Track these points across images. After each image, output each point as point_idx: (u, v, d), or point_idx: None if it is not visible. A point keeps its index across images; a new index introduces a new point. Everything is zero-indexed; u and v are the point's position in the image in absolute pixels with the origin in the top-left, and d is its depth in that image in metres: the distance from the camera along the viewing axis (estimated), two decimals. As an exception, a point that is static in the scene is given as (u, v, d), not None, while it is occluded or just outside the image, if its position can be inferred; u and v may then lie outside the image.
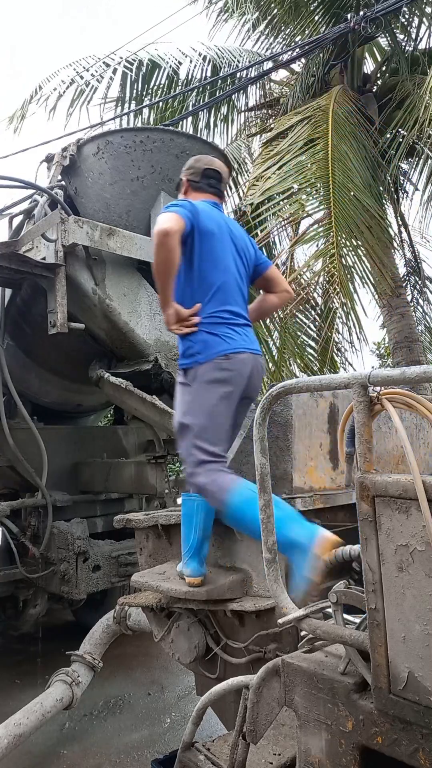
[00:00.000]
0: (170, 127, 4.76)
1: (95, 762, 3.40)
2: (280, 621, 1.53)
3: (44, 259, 3.67)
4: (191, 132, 6.86)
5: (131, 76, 6.62)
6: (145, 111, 6.94)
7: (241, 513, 2.00)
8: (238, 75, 6.45)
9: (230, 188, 7.06)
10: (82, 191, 3.98)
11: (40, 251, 3.75)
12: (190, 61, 6.86)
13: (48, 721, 3.27)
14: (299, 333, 5.12)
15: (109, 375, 3.79)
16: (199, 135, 6.83)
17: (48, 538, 4.09)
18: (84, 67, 6.60)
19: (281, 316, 5.00)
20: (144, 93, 6.85)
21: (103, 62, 6.62)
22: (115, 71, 6.57)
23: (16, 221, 4.29)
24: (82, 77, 6.53)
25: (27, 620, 4.73)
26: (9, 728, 3.02)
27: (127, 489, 4.50)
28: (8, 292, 4.32)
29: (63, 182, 4.05)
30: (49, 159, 4.07)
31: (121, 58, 6.55)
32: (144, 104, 6.76)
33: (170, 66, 6.72)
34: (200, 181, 2.44)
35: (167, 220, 2.11)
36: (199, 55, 6.72)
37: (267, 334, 4.60)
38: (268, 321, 4.63)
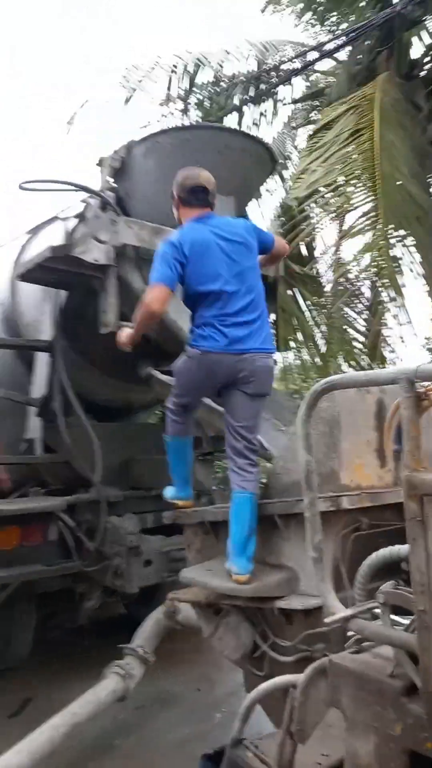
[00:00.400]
0: (215, 124, 4.77)
1: (148, 754, 3.46)
2: (326, 620, 1.51)
3: (96, 260, 3.75)
4: (236, 128, 6.84)
5: (177, 77, 6.67)
6: (192, 110, 6.98)
7: (171, 451, 2.85)
8: (282, 67, 6.38)
9: (275, 182, 7.01)
10: (132, 192, 4.04)
11: (93, 253, 3.83)
12: (237, 60, 6.84)
13: (102, 712, 3.35)
14: (346, 327, 5.01)
15: (158, 372, 3.83)
16: (244, 130, 6.80)
17: (102, 532, 4.18)
18: (130, 71, 6.68)
19: (328, 311, 4.92)
20: (190, 93, 6.88)
21: (150, 67, 6.69)
22: (159, 76, 6.63)
23: (71, 224, 4.39)
24: (128, 80, 6.62)
25: (83, 613, 4.86)
26: (66, 717, 3.11)
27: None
28: (63, 293, 4.43)
29: (114, 184, 4.12)
30: (101, 162, 4.15)
31: (163, 61, 6.59)
32: (190, 102, 6.79)
33: (215, 65, 6.71)
34: (189, 197, 2.73)
35: (156, 299, 2.52)
36: (241, 53, 6.69)
37: (315, 327, 4.51)
38: (315, 314, 4.55)
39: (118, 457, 4.86)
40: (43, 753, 2.87)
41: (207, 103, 6.89)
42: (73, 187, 3.96)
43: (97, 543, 4.17)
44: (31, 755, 2.81)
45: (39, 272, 3.83)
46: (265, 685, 1.76)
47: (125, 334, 2.89)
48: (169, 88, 6.85)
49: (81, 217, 4.31)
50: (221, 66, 6.78)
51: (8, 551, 4.02)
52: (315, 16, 6.53)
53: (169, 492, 2.94)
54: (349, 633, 1.55)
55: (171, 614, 3.42)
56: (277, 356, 4.69)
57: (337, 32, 6.13)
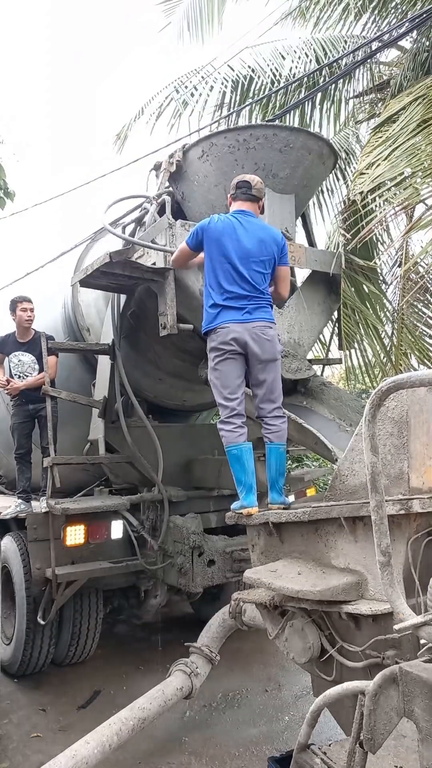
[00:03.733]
0: (273, 123, 4.72)
1: (215, 752, 3.48)
2: (396, 627, 1.46)
3: (154, 264, 3.81)
4: (297, 125, 6.74)
5: (230, 85, 6.60)
6: (248, 113, 6.89)
7: (230, 461, 3.01)
8: (343, 61, 6.21)
9: (338, 179, 6.86)
10: (189, 195, 4.08)
11: (151, 257, 3.89)
12: (292, 61, 6.70)
13: (169, 709, 3.40)
14: (418, 324, 4.82)
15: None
16: (304, 127, 6.69)
17: (165, 531, 4.25)
18: (183, 83, 6.66)
19: (396, 307, 4.77)
20: (246, 96, 6.80)
21: (201, 76, 6.65)
22: (212, 88, 6.58)
23: (129, 230, 4.49)
24: (178, 91, 6.60)
25: (148, 610, 4.95)
26: (134, 711, 3.18)
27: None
28: (122, 296, 4.53)
29: (170, 188, 4.17)
30: (156, 167, 4.21)
31: (218, 71, 6.52)
32: (246, 104, 6.72)
33: (270, 69, 6.61)
34: (236, 191, 3.25)
35: (176, 252, 3.42)
36: (300, 50, 6.55)
37: (379, 323, 4.38)
38: (379, 310, 4.43)
39: (179, 458, 4.92)
40: (111, 744, 2.94)
41: (265, 104, 6.80)
42: (132, 197, 4.08)
43: (160, 542, 4.24)
44: (99, 746, 2.89)
45: (99, 278, 3.93)
46: (333, 691, 1.72)
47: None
48: (223, 99, 6.78)
49: (139, 222, 4.40)
50: (277, 70, 6.67)
51: (76, 548, 4.16)
52: (375, 12, 6.29)
53: (234, 504, 3.00)
54: (422, 641, 1.49)
55: (236, 614, 3.41)
56: (341, 354, 4.60)
57: (401, 20, 5.89)
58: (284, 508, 2.82)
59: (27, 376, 4.76)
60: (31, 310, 4.77)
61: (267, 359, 3.05)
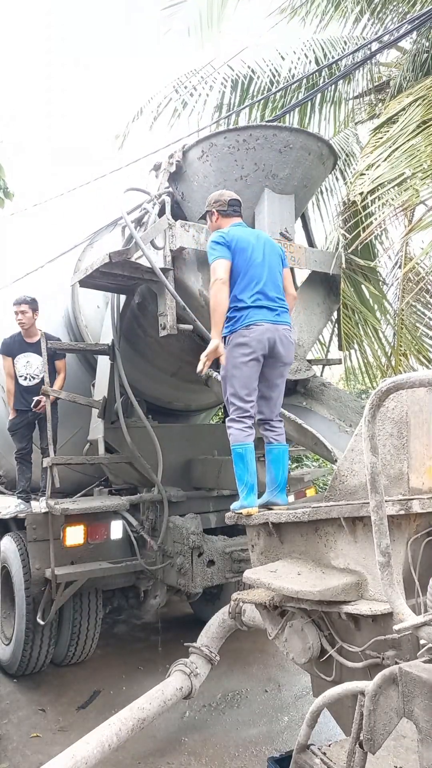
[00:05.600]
0: (273, 123, 4.72)
1: (215, 752, 3.48)
2: (396, 627, 1.46)
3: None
4: (297, 126, 6.74)
5: (230, 84, 6.59)
6: (248, 113, 6.88)
7: (235, 460, 2.98)
8: (343, 62, 6.21)
9: (336, 180, 6.86)
10: (189, 195, 4.08)
11: (152, 256, 3.89)
12: (291, 62, 6.70)
13: (169, 709, 3.40)
14: (418, 324, 4.82)
15: (217, 374, 3.84)
16: (303, 128, 6.69)
17: (164, 531, 4.25)
18: (182, 84, 6.64)
19: (396, 308, 4.78)
20: (245, 97, 6.79)
21: (200, 76, 6.64)
22: (212, 88, 6.58)
23: (128, 231, 4.48)
24: (177, 91, 6.58)
25: (148, 610, 4.96)
26: (133, 711, 3.18)
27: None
28: (122, 297, 4.53)
29: (170, 189, 4.17)
30: (156, 167, 4.21)
31: (218, 71, 6.52)
32: (245, 104, 6.72)
33: (269, 69, 6.61)
34: (228, 209, 3.23)
35: (221, 271, 2.99)
36: (300, 51, 6.55)
37: (378, 323, 4.39)
38: (378, 313, 4.43)
39: (179, 458, 4.92)
40: (110, 745, 2.94)
41: (264, 104, 6.80)
42: (143, 191, 4.10)
43: (160, 542, 4.24)
44: (99, 746, 2.89)
45: (98, 278, 3.93)
46: (333, 691, 1.72)
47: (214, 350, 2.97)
48: (222, 100, 6.78)
49: (139, 222, 4.40)
50: (276, 71, 6.67)
51: (75, 548, 4.16)
52: (374, 17, 6.29)
53: (234, 505, 3.00)
54: (422, 641, 1.49)
55: (236, 615, 3.42)
56: (341, 355, 4.60)
57: (401, 21, 5.89)
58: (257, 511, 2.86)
59: (35, 377, 4.75)
60: (23, 312, 4.70)
61: (287, 362, 3.11)
